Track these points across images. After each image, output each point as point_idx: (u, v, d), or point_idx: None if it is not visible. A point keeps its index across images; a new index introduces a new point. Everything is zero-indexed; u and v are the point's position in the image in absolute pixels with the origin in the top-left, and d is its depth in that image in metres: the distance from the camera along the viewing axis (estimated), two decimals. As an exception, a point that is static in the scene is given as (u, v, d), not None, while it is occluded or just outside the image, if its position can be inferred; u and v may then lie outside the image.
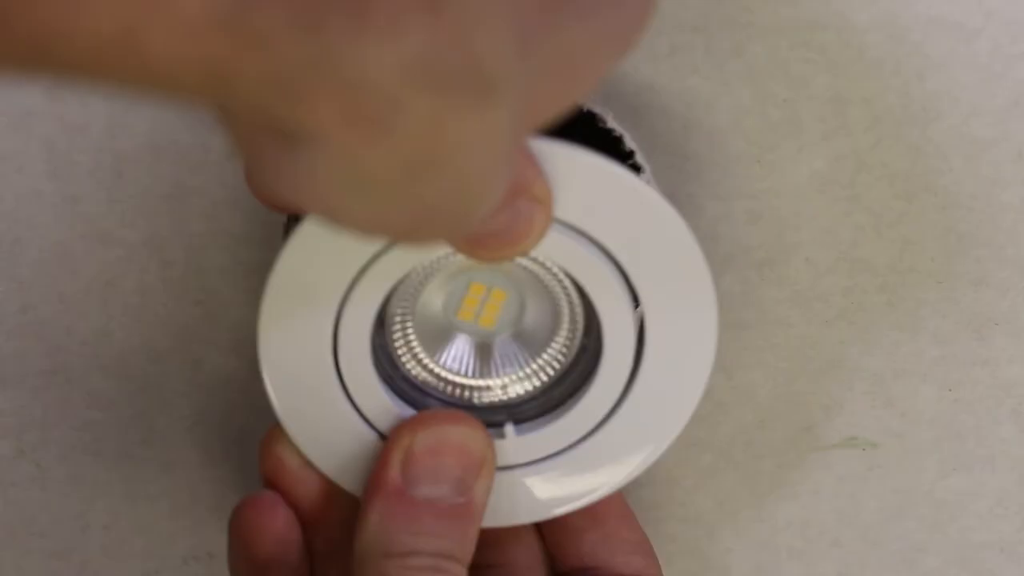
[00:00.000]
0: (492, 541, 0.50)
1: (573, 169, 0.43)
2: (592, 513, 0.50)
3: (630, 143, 0.47)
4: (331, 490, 0.50)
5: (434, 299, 0.47)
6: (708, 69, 0.48)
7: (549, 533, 0.51)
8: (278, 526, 0.50)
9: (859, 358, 0.52)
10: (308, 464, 0.49)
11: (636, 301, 0.46)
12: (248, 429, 0.54)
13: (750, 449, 0.54)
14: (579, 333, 0.48)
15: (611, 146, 0.48)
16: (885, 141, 0.49)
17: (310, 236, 0.44)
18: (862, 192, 0.50)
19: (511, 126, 0.34)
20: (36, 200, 0.50)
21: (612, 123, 0.47)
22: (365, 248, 0.44)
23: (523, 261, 0.46)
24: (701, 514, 0.55)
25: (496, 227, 0.42)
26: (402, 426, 0.47)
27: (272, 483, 0.50)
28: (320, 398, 0.47)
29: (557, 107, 0.36)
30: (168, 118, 0.48)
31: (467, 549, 0.47)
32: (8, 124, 0.49)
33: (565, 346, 0.48)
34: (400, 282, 0.46)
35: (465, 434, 0.47)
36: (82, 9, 0.28)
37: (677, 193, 0.50)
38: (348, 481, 0.48)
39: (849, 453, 0.54)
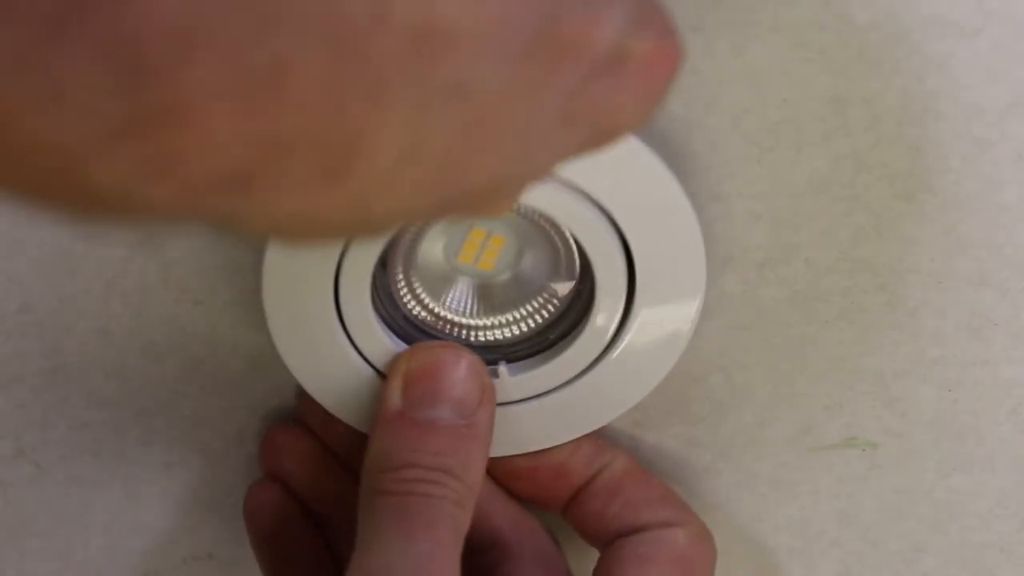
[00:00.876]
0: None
1: None
2: (608, 486, 0.51)
3: None
4: (326, 465, 0.52)
5: (435, 242, 0.49)
6: (708, 69, 0.48)
7: (574, 519, 0.52)
8: (273, 501, 0.52)
9: (859, 358, 0.52)
10: (302, 444, 0.51)
11: (626, 248, 0.48)
12: (248, 429, 0.54)
13: (750, 449, 0.54)
14: (574, 278, 0.50)
15: None
16: (885, 141, 0.49)
17: None
18: (862, 192, 0.50)
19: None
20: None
21: None
22: None
23: (519, 212, 0.48)
24: (701, 514, 0.55)
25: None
26: (399, 355, 0.49)
27: (271, 472, 0.52)
28: (322, 339, 0.49)
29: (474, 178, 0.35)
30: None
31: (471, 471, 0.48)
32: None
33: (560, 290, 0.50)
34: (402, 227, 0.48)
35: (461, 357, 0.49)
36: None
37: (677, 193, 0.50)
38: (354, 418, 0.50)
39: (849, 453, 0.54)
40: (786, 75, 0.48)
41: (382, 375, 0.50)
